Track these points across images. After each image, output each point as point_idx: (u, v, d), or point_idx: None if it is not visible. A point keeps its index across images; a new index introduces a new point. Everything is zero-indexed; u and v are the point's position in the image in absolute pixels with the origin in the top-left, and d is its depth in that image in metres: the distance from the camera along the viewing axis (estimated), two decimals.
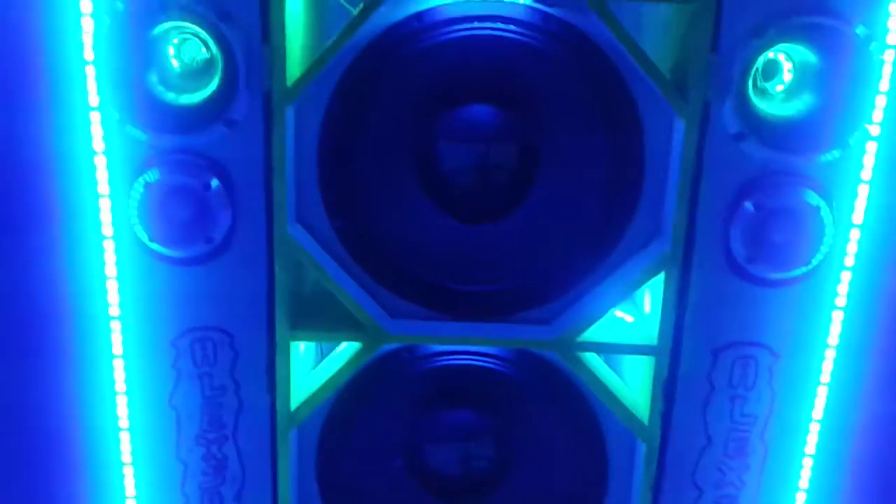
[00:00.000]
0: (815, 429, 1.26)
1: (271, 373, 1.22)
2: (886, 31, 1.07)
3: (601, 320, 1.21)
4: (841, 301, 1.19)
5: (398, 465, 1.28)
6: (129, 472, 1.25)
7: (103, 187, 1.12)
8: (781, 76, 1.15)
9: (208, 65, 1.12)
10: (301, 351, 1.32)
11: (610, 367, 1.30)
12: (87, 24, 1.05)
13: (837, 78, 1.10)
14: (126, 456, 1.24)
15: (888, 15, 1.07)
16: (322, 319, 1.24)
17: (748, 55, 1.08)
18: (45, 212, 1.16)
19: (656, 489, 1.25)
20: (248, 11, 1.06)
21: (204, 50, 1.11)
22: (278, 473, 1.24)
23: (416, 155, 1.16)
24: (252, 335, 1.20)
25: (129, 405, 1.22)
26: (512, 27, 1.12)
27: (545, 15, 1.12)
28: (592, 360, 1.25)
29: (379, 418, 1.29)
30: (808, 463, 1.26)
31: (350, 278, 1.21)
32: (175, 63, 1.12)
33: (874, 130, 1.11)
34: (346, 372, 1.23)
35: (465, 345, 1.24)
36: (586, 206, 1.18)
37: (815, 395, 1.24)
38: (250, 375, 1.21)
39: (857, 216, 1.15)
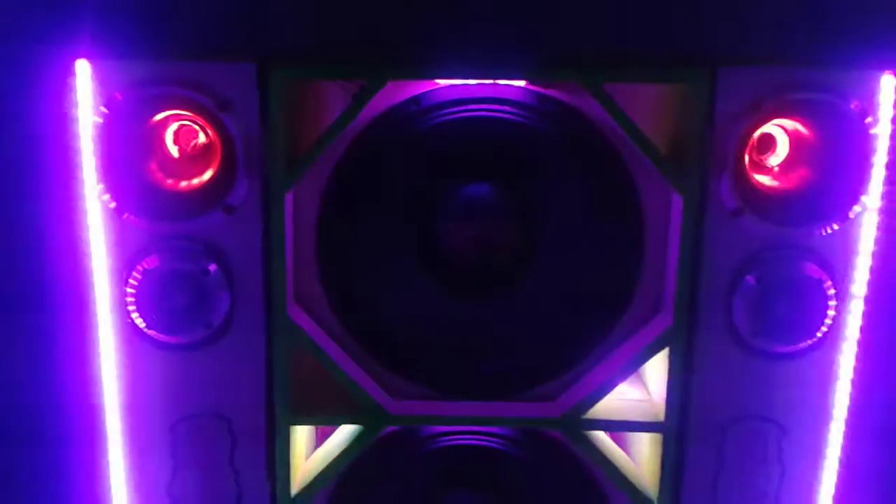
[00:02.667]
0: (826, 501, 1.24)
1: (271, 459, 1.19)
2: (880, 105, 1.09)
3: (607, 397, 1.19)
4: (846, 373, 1.18)
5: None
6: None
7: (100, 275, 1.11)
8: (777, 149, 1.16)
9: (206, 150, 1.12)
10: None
11: (617, 445, 1.28)
12: (85, 116, 1.06)
13: (833, 151, 1.10)
14: None
15: (881, 89, 1.08)
16: (322, 403, 1.22)
17: (743, 131, 1.09)
18: (40, 298, 1.15)
19: None
20: (248, 99, 1.07)
21: (202, 135, 1.12)
22: None
23: (416, 234, 1.16)
24: (251, 420, 1.18)
25: (127, 494, 1.19)
26: (508, 108, 1.13)
27: (541, 96, 1.13)
28: (599, 438, 1.23)
29: (382, 500, 1.26)
30: None
31: (350, 360, 1.20)
32: (173, 149, 1.13)
33: (872, 203, 1.12)
34: (347, 455, 1.21)
35: (469, 425, 1.22)
36: (587, 283, 1.17)
37: (824, 469, 1.22)
38: (250, 461, 1.19)
39: (859, 288, 1.15)
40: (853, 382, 1.19)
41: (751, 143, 1.12)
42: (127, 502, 1.20)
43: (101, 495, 1.20)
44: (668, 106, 1.16)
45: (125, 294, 1.10)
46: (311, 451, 1.33)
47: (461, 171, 1.14)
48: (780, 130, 1.15)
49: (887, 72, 1.08)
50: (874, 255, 1.14)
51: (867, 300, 1.15)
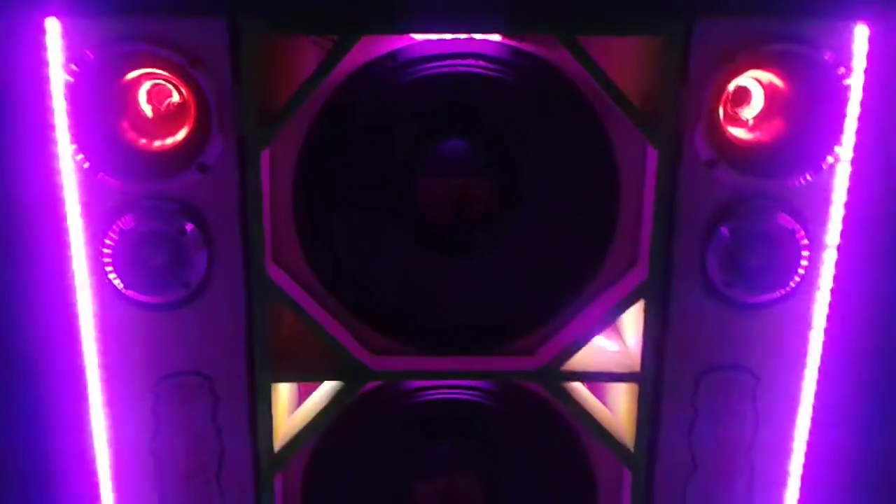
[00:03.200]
0: (800, 449, 1.26)
1: (253, 416, 1.20)
2: (853, 55, 1.09)
3: (584, 349, 1.21)
4: (819, 322, 1.20)
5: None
6: None
7: (77, 236, 1.11)
8: (751, 101, 1.16)
9: (180, 109, 1.11)
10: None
11: (595, 396, 1.30)
12: (56, 74, 1.05)
13: (807, 103, 1.11)
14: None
15: (855, 40, 1.09)
16: (303, 360, 1.23)
17: (718, 83, 1.09)
18: (17, 261, 1.14)
19: None
20: (220, 56, 1.05)
21: (176, 94, 1.11)
22: None
23: (394, 191, 1.16)
24: (232, 379, 1.18)
25: (110, 453, 1.20)
26: (483, 63, 1.12)
27: (516, 50, 1.12)
28: (577, 389, 1.25)
29: (363, 457, 1.28)
30: (794, 483, 1.27)
31: (330, 317, 1.20)
32: (147, 108, 1.12)
33: (845, 153, 1.13)
34: (329, 411, 1.22)
35: (449, 379, 1.24)
36: (564, 236, 1.18)
37: (797, 416, 1.25)
38: (231, 420, 1.20)
39: (832, 237, 1.16)
40: (826, 331, 1.21)
41: (726, 95, 1.12)
42: (109, 461, 1.21)
43: (83, 455, 1.21)
44: (642, 59, 1.16)
45: (102, 255, 1.10)
46: (294, 409, 1.34)
47: (438, 127, 1.13)
48: (754, 83, 1.15)
49: (860, 22, 1.08)
50: (847, 205, 1.15)
51: (840, 249, 1.17)
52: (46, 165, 1.08)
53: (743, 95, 1.16)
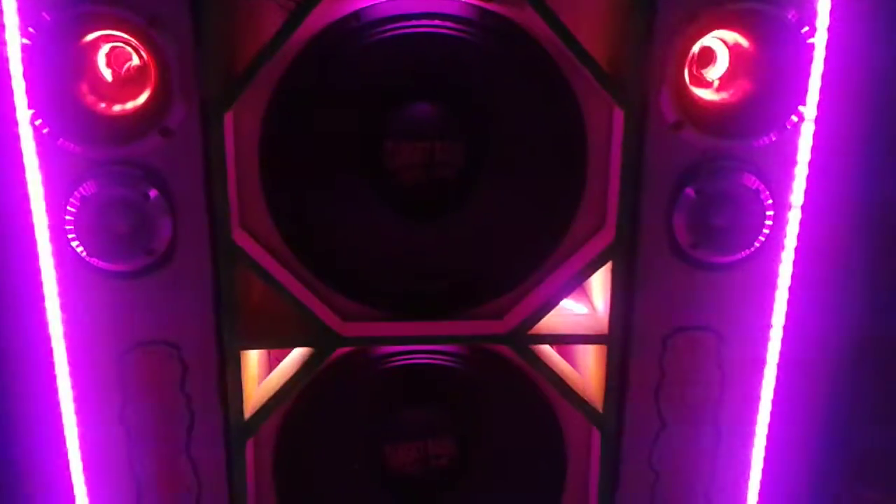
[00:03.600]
0: (765, 407, 1.29)
1: (222, 384, 1.20)
2: (817, 14, 1.09)
3: (552, 312, 1.21)
4: (783, 282, 1.22)
5: (356, 470, 1.28)
6: (81, 492, 1.22)
7: (37, 203, 1.09)
8: (716, 62, 1.16)
9: (141, 72, 1.09)
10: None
11: (563, 358, 1.31)
12: (13, 37, 1.02)
13: (771, 63, 1.11)
14: (78, 475, 1.21)
15: None
16: (272, 327, 1.23)
17: (683, 43, 1.09)
18: None
19: (614, 475, 1.27)
20: (179, 16, 1.03)
21: (136, 57, 1.09)
22: (234, 485, 1.23)
23: (361, 154, 1.15)
24: (200, 347, 1.17)
25: (79, 424, 1.19)
26: (449, 24, 1.11)
27: (482, 11, 1.12)
28: (545, 352, 1.26)
29: (334, 423, 1.28)
30: (760, 441, 1.29)
31: (298, 282, 1.20)
32: (107, 72, 1.09)
33: (809, 113, 1.14)
34: (299, 378, 1.22)
35: (418, 344, 1.24)
36: (532, 199, 1.18)
37: (763, 376, 1.27)
38: (201, 388, 1.19)
39: (796, 197, 1.18)
40: (790, 290, 1.22)
41: (691, 57, 1.12)
42: (79, 432, 1.20)
43: (51, 427, 1.20)
44: (609, 19, 1.15)
45: (64, 222, 1.08)
46: (264, 376, 1.33)
47: (404, 90, 1.12)
48: (719, 43, 1.15)
49: None
50: (811, 164, 1.16)
51: (804, 209, 1.18)
52: (4, 131, 1.05)
53: (708, 56, 1.16)
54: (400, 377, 1.26)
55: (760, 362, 1.25)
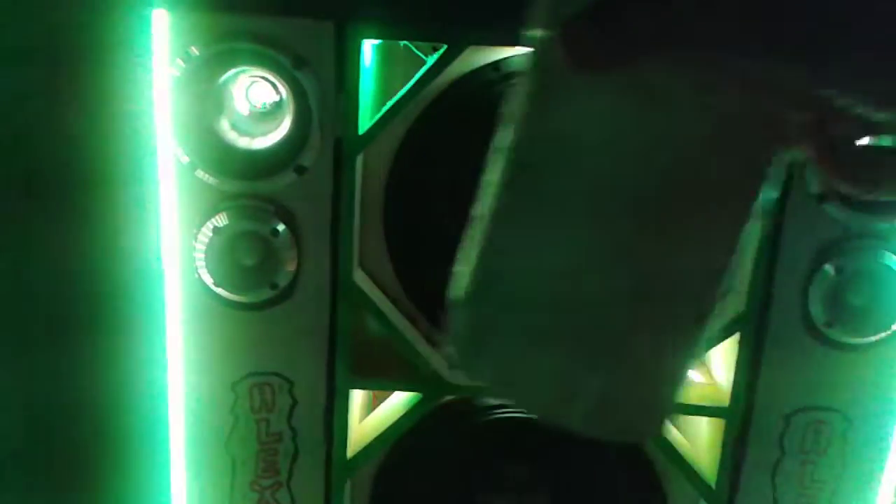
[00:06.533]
0: (886, 496, 1.22)
1: (329, 421, 1.20)
2: None
3: None
4: None
5: None
6: None
7: (170, 230, 1.11)
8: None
9: (277, 108, 1.11)
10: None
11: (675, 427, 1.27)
12: (162, 70, 1.05)
13: None
14: (181, 500, 1.22)
15: None
16: (382, 368, 1.22)
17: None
18: (110, 248, 1.15)
19: None
20: (324, 58, 1.05)
21: (274, 93, 1.10)
22: None
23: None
24: (312, 382, 1.18)
25: (186, 448, 1.21)
26: None
27: None
28: None
29: (434, 469, 1.27)
30: None
31: (412, 327, 1.19)
32: (246, 106, 1.11)
33: None
34: (404, 423, 1.21)
35: None
36: None
37: (887, 463, 1.20)
38: (308, 422, 1.19)
39: None
40: None
41: None
42: (185, 458, 1.21)
43: (159, 452, 1.21)
44: None
45: (194, 250, 1.10)
46: (364, 415, 1.33)
47: None
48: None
49: None
50: None
51: None
52: (146, 159, 1.08)
53: None
54: (503, 431, 1.24)
55: (886, 450, 1.19)
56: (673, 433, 1.24)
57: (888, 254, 1.09)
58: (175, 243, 1.11)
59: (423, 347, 1.19)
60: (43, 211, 1.11)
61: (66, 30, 1.05)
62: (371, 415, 1.31)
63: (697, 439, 1.27)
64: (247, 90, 1.12)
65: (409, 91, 1.08)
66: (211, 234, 1.09)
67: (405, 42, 1.18)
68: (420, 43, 1.16)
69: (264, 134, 1.10)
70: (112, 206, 1.08)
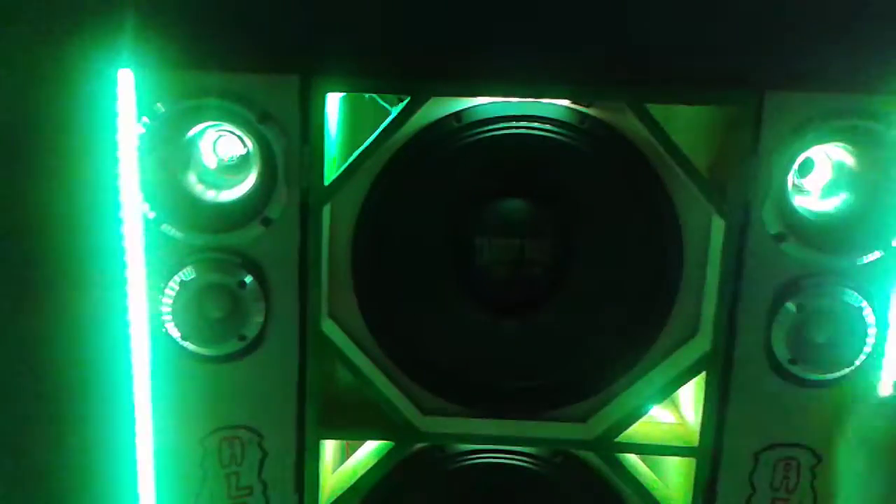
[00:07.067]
0: None
1: (300, 472, 1.19)
2: None
3: (639, 420, 1.18)
4: (883, 401, 1.17)
5: None
6: None
7: (136, 285, 1.11)
8: (817, 172, 1.15)
9: (244, 161, 1.12)
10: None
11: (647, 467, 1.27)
12: (128, 127, 1.06)
13: (876, 179, 1.09)
14: None
15: None
16: (353, 417, 1.22)
17: (789, 156, 1.08)
18: (77, 303, 1.14)
19: None
20: (289, 112, 1.06)
21: (241, 147, 1.12)
22: None
23: (452, 251, 1.15)
24: (281, 434, 1.17)
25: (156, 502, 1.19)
26: (549, 126, 1.12)
27: (582, 115, 1.12)
28: (630, 460, 1.22)
29: None
30: None
31: (382, 375, 1.19)
32: (212, 160, 1.12)
33: None
34: (377, 472, 1.20)
35: (500, 444, 1.22)
36: (623, 303, 1.16)
37: (856, 496, 1.21)
38: (278, 475, 1.18)
39: None
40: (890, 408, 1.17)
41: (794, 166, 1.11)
42: None
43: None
44: (709, 128, 1.15)
45: (161, 304, 1.09)
46: (337, 465, 1.32)
47: (501, 189, 1.13)
48: (822, 154, 1.14)
49: None
50: None
51: None
52: (112, 215, 1.08)
53: (808, 165, 1.14)
54: (477, 476, 1.24)
55: (855, 482, 1.20)
56: (646, 474, 1.25)
57: (848, 291, 1.11)
58: (142, 298, 1.11)
59: (393, 395, 1.19)
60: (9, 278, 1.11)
61: (33, 91, 1.05)
62: (343, 465, 1.30)
63: (669, 479, 1.28)
64: (214, 144, 1.13)
65: (374, 142, 1.09)
66: (178, 288, 1.09)
67: (371, 94, 1.20)
68: (386, 95, 1.18)
69: (232, 187, 1.11)
70: (77, 265, 1.08)
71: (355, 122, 1.27)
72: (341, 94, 1.19)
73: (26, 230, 1.07)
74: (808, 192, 1.15)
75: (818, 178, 1.15)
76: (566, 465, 1.22)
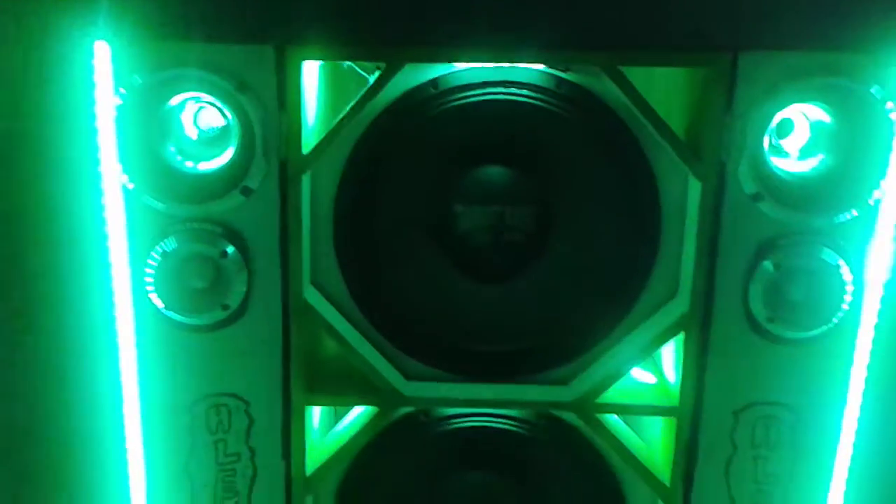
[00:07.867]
0: (837, 488, 1.24)
1: (287, 438, 1.20)
2: None
3: (620, 381, 1.20)
4: (862, 359, 1.18)
5: None
6: None
7: (119, 256, 1.12)
8: (796, 133, 1.15)
9: (224, 132, 1.12)
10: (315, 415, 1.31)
11: (630, 427, 1.29)
12: (105, 98, 1.06)
13: (853, 137, 1.10)
14: None
15: None
16: (338, 384, 1.23)
17: (763, 116, 1.08)
18: (59, 278, 1.15)
19: None
20: (265, 81, 1.06)
21: (220, 118, 1.12)
22: None
23: (432, 216, 1.16)
24: (268, 401, 1.19)
25: (146, 472, 1.21)
26: (526, 91, 1.12)
27: (559, 80, 1.12)
28: (612, 421, 1.24)
29: (396, 481, 1.28)
30: None
31: (366, 341, 1.20)
32: (191, 131, 1.13)
33: (891, 188, 1.11)
34: (362, 437, 1.22)
35: (483, 407, 1.23)
36: (603, 266, 1.17)
37: (837, 454, 1.23)
38: (266, 441, 1.20)
39: (877, 273, 1.15)
40: (868, 368, 1.19)
41: (769, 126, 1.11)
42: (145, 481, 1.21)
43: (118, 474, 1.21)
44: (684, 90, 1.15)
45: (144, 275, 1.11)
46: (327, 431, 1.34)
47: (478, 154, 1.13)
48: (800, 115, 1.14)
49: None
50: (894, 240, 1.13)
51: (885, 286, 1.15)
52: (92, 187, 1.09)
53: (787, 126, 1.15)
54: (462, 439, 1.25)
55: (835, 441, 1.22)
56: (628, 434, 1.26)
57: (825, 249, 1.12)
58: (124, 269, 1.12)
59: (377, 361, 1.20)
60: None
61: (8, 65, 1.06)
62: (331, 431, 1.32)
63: (652, 440, 1.29)
64: (195, 116, 1.14)
65: (351, 110, 1.10)
66: (160, 259, 1.10)
67: (349, 63, 1.20)
68: (364, 63, 1.19)
69: (213, 157, 1.12)
70: (59, 235, 1.09)
71: (336, 93, 1.27)
72: (319, 63, 1.20)
73: (5, 204, 1.08)
74: (786, 153, 1.15)
75: (797, 139, 1.16)
76: (549, 427, 1.24)
